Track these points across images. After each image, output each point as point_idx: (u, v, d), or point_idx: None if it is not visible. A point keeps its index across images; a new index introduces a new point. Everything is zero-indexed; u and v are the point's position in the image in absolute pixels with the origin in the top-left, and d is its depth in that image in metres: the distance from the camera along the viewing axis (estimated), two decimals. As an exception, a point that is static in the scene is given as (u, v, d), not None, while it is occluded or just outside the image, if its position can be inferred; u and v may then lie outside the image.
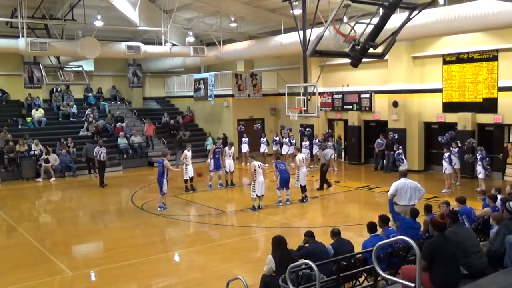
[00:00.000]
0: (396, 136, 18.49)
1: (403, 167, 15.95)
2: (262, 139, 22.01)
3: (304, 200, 14.43)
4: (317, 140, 20.50)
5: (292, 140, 21.09)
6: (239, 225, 12.44)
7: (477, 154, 14.66)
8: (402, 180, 9.92)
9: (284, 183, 13.84)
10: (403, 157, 16.75)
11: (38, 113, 23.33)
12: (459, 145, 15.71)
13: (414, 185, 9.94)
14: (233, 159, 17.27)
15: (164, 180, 13.55)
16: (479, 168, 14.57)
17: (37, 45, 17.83)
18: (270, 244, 7.02)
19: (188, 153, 15.76)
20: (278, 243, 6.90)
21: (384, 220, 7.99)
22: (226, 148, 16.85)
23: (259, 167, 13.44)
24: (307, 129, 21.58)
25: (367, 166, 20.88)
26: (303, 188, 14.44)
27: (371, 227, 7.70)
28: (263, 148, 21.93)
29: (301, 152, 15.96)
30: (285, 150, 21.07)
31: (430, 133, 18.94)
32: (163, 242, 11.43)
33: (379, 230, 7.84)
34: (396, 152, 16.71)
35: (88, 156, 19.28)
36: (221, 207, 14.47)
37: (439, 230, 5.86)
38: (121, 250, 10.45)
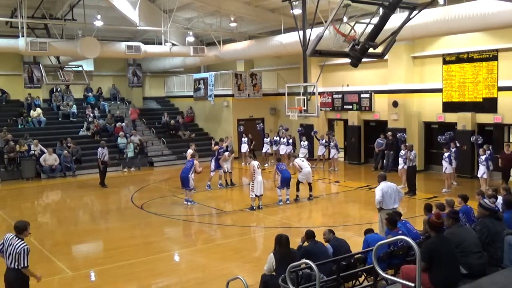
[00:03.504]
0: (404, 135, 17.62)
1: (401, 166, 15.85)
2: (265, 139, 21.98)
3: (311, 198, 14.55)
4: (324, 141, 20.41)
5: (289, 140, 21.04)
6: (239, 225, 12.43)
7: (483, 155, 14.51)
8: (384, 184, 9.73)
9: (285, 183, 13.90)
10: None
11: (35, 113, 23.30)
12: (458, 145, 15.66)
13: (394, 187, 9.85)
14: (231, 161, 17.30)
15: (190, 176, 14.12)
16: (483, 168, 14.48)
17: (37, 45, 17.83)
18: (269, 243, 7.03)
19: (191, 151, 15.79)
20: (279, 242, 6.91)
21: (392, 222, 7.90)
22: (227, 153, 16.80)
23: (258, 167, 13.48)
24: (314, 130, 21.45)
25: (367, 166, 20.88)
26: (310, 186, 14.52)
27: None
28: (266, 148, 21.91)
29: (297, 156, 16.14)
30: (283, 150, 21.04)
31: (430, 133, 18.94)
32: (163, 242, 11.41)
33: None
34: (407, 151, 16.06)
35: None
36: (221, 207, 14.48)
37: (436, 231, 5.86)
38: (121, 250, 10.46)
